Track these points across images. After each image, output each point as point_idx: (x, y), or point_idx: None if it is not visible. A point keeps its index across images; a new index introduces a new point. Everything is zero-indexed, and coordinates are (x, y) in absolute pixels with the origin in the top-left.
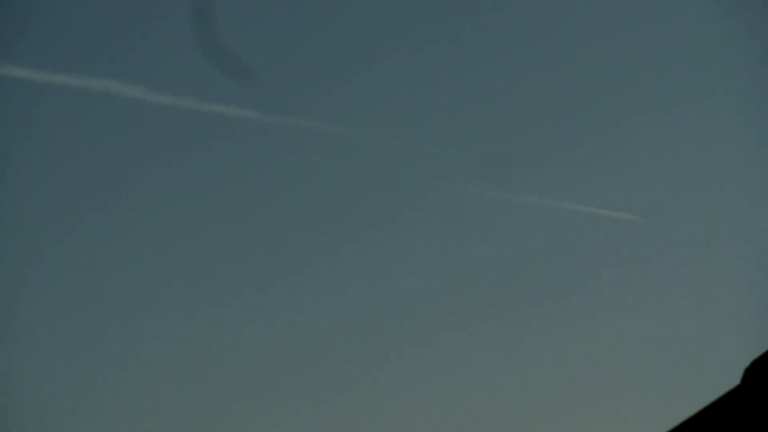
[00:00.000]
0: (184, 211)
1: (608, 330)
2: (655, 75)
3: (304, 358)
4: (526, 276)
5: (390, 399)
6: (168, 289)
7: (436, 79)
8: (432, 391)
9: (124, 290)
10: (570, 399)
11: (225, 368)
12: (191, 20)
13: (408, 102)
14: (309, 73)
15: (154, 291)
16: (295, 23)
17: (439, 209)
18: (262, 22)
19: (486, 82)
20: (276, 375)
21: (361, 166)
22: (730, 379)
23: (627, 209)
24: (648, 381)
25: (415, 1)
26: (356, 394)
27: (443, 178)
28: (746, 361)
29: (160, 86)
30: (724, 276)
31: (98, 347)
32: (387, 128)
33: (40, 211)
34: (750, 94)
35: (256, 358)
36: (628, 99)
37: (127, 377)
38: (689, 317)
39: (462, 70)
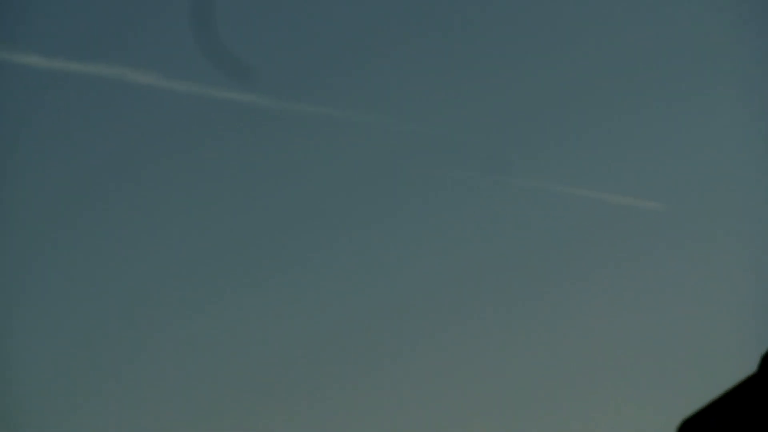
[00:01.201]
0: (194, 198)
1: (628, 319)
2: (680, 64)
3: (308, 352)
4: (542, 266)
5: (393, 392)
6: (171, 277)
7: (453, 67)
8: (440, 381)
9: (118, 286)
10: (591, 386)
11: (226, 361)
12: (193, 13)
13: (421, 90)
14: (320, 60)
15: (152, 285)
16: (306, 12)
17: (453, 197)
18: (272, 11)
19: (509, 70)
20: (277, 369)
21: (371, 152)
22: (749, 366)
23: (654, 198)
24: (667, 368)
25: None
26: (358, 386)
27: (457, 166)
28: (763, 349)
29: (173, 73)
30: (743, 266)
31: (93, 344)
32: (398, 114)
33: (49, 198)
34: None
35: (257, 351)
36: (652, 87)
37: (124, 372)
38: (708, 307)
39: (481, 56)
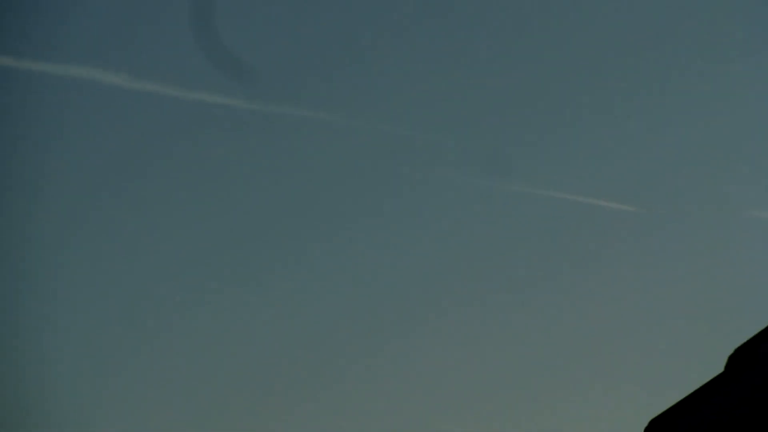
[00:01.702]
0: (170, 203)
1: (597, 319)
2: (653, 67)
3: (299, 351)
4: (521, 267)
5: (382, 389)
6: (158, 283)
7: (434, 68)
8: (425, 380)
9: (113, 286)
10: (566, 387)
11: (216, 361)
12: (191, 17)
13: (405, 91)
14: (297, 62)
15: (144, 286)
16: (286, 12)
17: (435, 199)
18: (252, 12)
19: (484, 73)
20: (269, 368)
21: (353, 154)
22: (716, 366)
23: (628, 201)
24: (635, 368)
25: None
26: (348, 385)
27: (438, 168)
28: (730, 349)
29: (144, 74)
30: (711, 266)
31: (88, 345)
32: (381, 117)
33: (19, 202)
34: (748, 83)
35: (247, 351)
36: (627, 90)
37: (122, 372)
38: (676, 307)
39: (458, 59)
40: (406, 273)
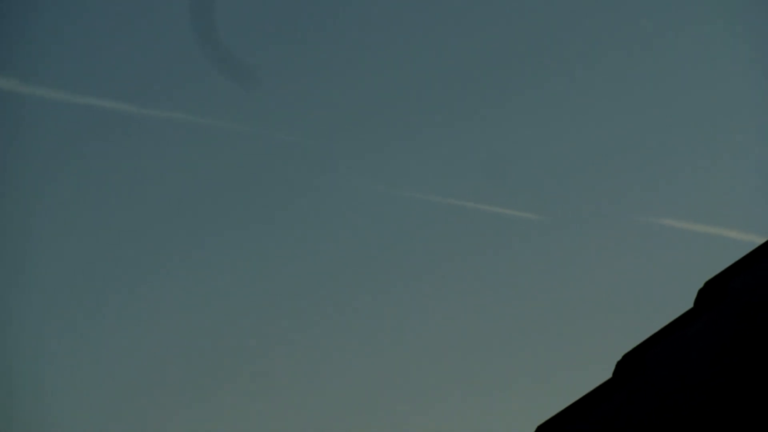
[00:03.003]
0: (51, 210)
1: (494, 323)
2: (544, 71)
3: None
4: (408, 270)
5: (272, 393)
6: (60, 286)
7: (310, 71)
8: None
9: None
10: (450, 393)
11: (107, 365)
12: (194, 16)
13: (283, 96)
14: (178, 65)
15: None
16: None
17: (316, 203)
18: (145, 20)
19: (366, 73)
20: (151, 372)
21: (234, 159)
22: (606, 371)
23: (530, 209)
24: (524, 374)
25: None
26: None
27: (319, 171)
28: (619, 356)
29: (35, 79)
30: (600, 272)
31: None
32: (259, 122)
33: None
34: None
35: (133, 355)
36: (516, 94)
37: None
38: (568, 311)
39: (337, 59)
40: (293, 277)
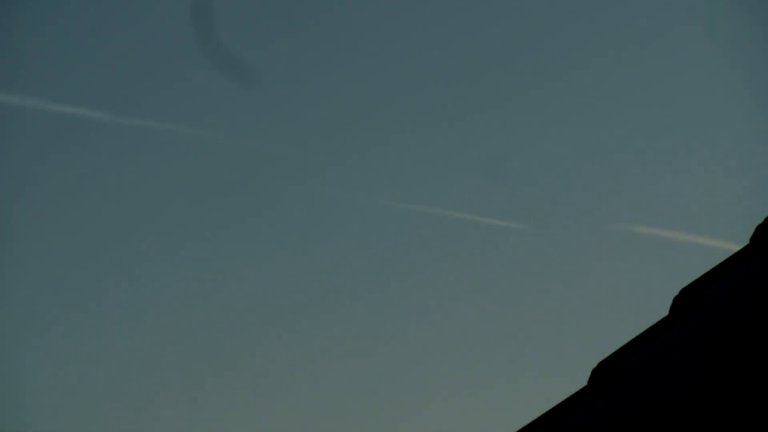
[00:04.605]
0: (35, 212)
1: (479, 332)
2: (524, 79)
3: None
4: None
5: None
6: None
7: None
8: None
9: None
10: (426, 402)
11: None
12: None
13: (268, 102)
14: (146, 71)
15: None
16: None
17: (298, 212)
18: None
19: (348, 80)
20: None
21: (216, 167)
22: (581, 379)
23: (510, 218)
24: (501, 380)
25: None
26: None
27: (302, 180)
28: (594, 363)
29: (8, 86)
30: (569, 279)
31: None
32: (229, 129)
33: None
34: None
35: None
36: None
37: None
38: (547, 319)
39: (319, 65)
40: (286, 278)
